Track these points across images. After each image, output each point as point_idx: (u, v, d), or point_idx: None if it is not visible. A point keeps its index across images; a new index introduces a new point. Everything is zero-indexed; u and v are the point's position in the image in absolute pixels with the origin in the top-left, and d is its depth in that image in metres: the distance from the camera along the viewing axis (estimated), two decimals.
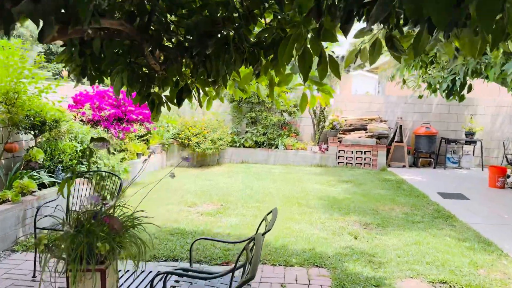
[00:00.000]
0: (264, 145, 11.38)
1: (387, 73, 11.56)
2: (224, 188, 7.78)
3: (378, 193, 7.76)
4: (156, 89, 3.78)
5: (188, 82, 3.74)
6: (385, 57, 15.26)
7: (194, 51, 2.92)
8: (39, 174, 5.39)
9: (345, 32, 2.72)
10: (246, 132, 11.52)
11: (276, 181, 8.72)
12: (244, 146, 11.43)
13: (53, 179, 5.46)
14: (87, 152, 5.43)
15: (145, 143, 9.67)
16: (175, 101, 3.77)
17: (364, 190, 8.02)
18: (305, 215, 6.07)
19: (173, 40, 3.07)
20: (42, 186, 5.31)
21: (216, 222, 5.60)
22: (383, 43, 2.95)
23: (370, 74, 27.42)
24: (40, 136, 5.88)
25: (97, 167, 6.25)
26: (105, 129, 6.93)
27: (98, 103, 6.76)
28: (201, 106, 4.01)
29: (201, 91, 4.10)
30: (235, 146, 11.42)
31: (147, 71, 3.51)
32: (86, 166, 6.17)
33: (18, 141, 5.87)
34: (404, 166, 11.24)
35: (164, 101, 3.73)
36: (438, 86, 7.77)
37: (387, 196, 7.45)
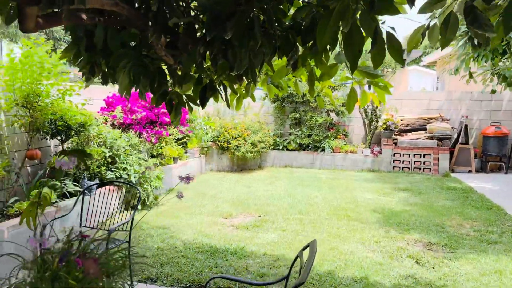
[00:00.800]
0: (309, 148, 10.62)
1: (449, 66, 10.35)
2: (263, 197, 7.16)
3: (443, 204, 6.75)
4: (178, 89, 3.24)
5: (214, 78, 3.16)
6: (447, 49, 13.87)
7: (208, 36, 2.30)
8: (63, 182, 5.09)
9: (411, 1, 2.01)
10: (290, 134, 10.84)
11: (321, 189, 7.96)
12: (287, 149, 10.75)
13: (78, 188, 5.14)
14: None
15: (183, 146, 9.30)
16: (198, 101, 3.21)
17: (425, 200, 7.04)
18: (356, 231, 5.28)
19: (183, 23, 2.49)
20: (65, 195, 5.00)
21: (251, 238, 4.99)
22: (460, 18, 2.17)
23: (426, 69, 25.57)
24: (67, 142, 5.60)
25: (127, 174, 5.89)
26: (137, 133, 6.58)
27: (130, 106, 6.43)
28: (228, 106, 3.41)
29: (229, 88, 3.51)
30: (278, 149, 10.76)
31: (160, 66, 2.98)
32: (115, 173, 5.83)
33: (45, 146, 5.64)
34: (470, 171, 9.98)
35: (184, 101, 3.19)
36: None
37: (454, 209, 6.44)
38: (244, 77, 3.14)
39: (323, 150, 10.50)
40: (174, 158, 8.21)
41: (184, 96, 3.19)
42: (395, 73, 10.42)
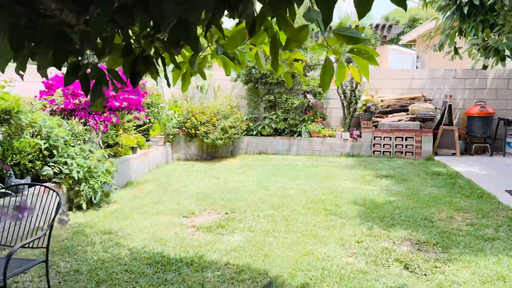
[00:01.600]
0: (285, 132, 9.92)
1: (432, 42, 9.75)
2: (233, 189, 6.43)
3: (429, 192, 6.18)
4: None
5: (147, 47, 2.37)
6: (428, 25, 13.28)
7: None
8: None
9: None
10: (264, 118, 10.09)
11: (298, 178, 7.28)
12: (261, 135, 10.02)
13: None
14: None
15: (145, 134, 8.43)
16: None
17: (410, 188, 6.46)
18: (335, 229, 4.62)
19: None
20: None
21: (213, 242, 4.25)
22: None
23: (405, 49, 25.15)
24: None
25: (69, 169, 5.02)
26: (82, 120, 5.69)
27: (72, 88, 5.51)
28: (168, 85, 2.60)
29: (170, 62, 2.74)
30: (252, 135, 10.02)
31: (62, 28, 2.20)
32: (53, 168, 4.96)
33: None
34: (454, 154, 9.51)
35: (106, 77, 2.39)
36: (509, 53, 6.03)
37: (441, 197, 5.88)
38: (179, 44, 2.37)
39: (299, 134, 9.81)
40: (132, 148, 7.36)
41: (105, 72, 2.40)
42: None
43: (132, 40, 2.31)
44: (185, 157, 9.31)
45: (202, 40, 2.68)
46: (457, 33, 7.82)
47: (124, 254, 3.95)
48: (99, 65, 2.41)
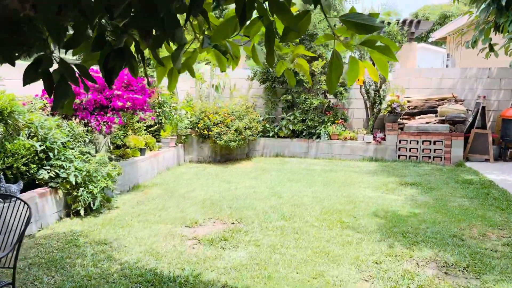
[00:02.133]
0: (303, 134, 9.45)
1: (464, 38, 9.06)
2: (243, 196, 6.03)
3: (459, 204, 5.60)
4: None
5: (117, 39, 2.02)
6: (460, 20, 12.47)
7: None
8: None
9: None
10: (282, 119, 9.64)
11: (314, 184, 6.81)
12: (278, 136, 9.58)
13: None
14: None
15: (156, 135, 8.16)
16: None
17: (438, 199, 5.89)
18: (350, 246, 4.15)
19: None
20: None
21: (214, 258, 3.87)
22: None
23: (435, 47, 24.08)
24: None
25: (66, 173, 4.76)
26: (83, 121, 5.42)
27: (73, 87, 5.26)
28: (149, 84, 2.20)
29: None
30: (268, 136, 9.60)
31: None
32: (50, 172, 4.70)
33: None
34: (487, 160, 8.79)
35: (75, 74, 2.04)
36: None
37: (473, 211, 5.29)
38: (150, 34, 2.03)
39: (318, 137, 9.32)
40: (141, 149, 7.08)
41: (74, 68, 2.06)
42: (401, 48, 9.13)
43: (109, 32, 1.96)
44: (198, 159, 8.99)
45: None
46: (492, 28, 7.15)
47: (115, 270, 3.61)
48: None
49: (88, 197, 4.92)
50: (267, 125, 9.56)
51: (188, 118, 8.63)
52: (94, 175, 4.99)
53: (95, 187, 4.96)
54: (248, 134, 8.57)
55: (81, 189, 4.90)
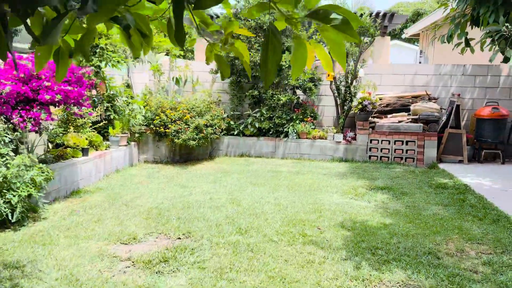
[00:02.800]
0: (270, 132, 8.85)
1: (439, 34, 8.67)
2: (196, 203, 5.37)
3: (433, 213, 5.13)
4: None
5: None
6: (434, 16, 12.17)
7: None
8: None
9: None
10: (248, 116, 9.00)
11: (278, 188, 6.22)
12: (244, 135, 8.95)
13: None
14: None
15: (104, 133, 7.35)
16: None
17: (410, 206, 5.41)
18: (311, 267, 3.57)
19: None
20: None
21: (146, 287, 3.20)
22: None
23: (407, 44, 24.02)
24: None
25: None
26: (2, 117, 4.60)
27: None
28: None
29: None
30: (232, 135, 8.95)
31: None
32: None
33: None
34: (461, 161, 8.47)
35: None
36: None
37: (449, 220, 4.83)
38: None
39: (286, 135, 8.75)
40: (83, 149, 6.28)
41: None
42: (373, 43, 8.67)
43: None
44: (154, 159, 8.24)
45: None
46: (468, 22, 6.76)
47: None
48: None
49: (5, 208, 4.13)
50: (232, 123, 8.91)
51: (142, 114, 7.86)
52: (13, 181, 4.20)
53: (14, 196, 4.17)
54: (210, 132, 7.89)
55: None
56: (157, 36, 8.44)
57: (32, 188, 4.42)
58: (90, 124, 6.82)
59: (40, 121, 4.66)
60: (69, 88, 4.73)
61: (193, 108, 8.02)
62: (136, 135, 7.99)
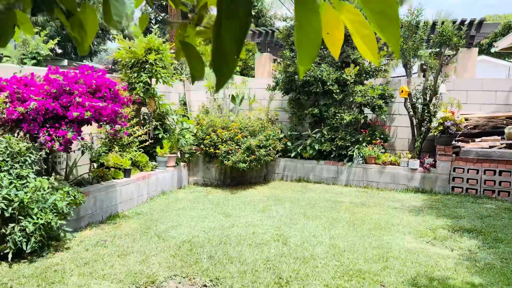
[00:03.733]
0: (332, 156, 7.90)
1: None
2: (236, 239, 4.63)
3: None
4: None
5: None
6: None
7: None
8: None
9: None
10: (308, 137, 8.15)
11: (337, 224, 5.27)
12: (302, 157, 8.11)
13: None
14: None
15: (152, 152, 6.98)
16: None
17: (508, 259, 4.15)
18: None
19: None
20: None
21: None
22: None
23: (495, 59, 21.41)
24: None
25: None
26: (29, 135, 4.30)
27: (21, 91, 4.18)
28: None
29: None
30: (289, 157, 8.15)
31: None
32: None
33: None
34: None
35: None
36: None
37: None
38: None
39: (351, 159, 7.74)
40: (125, 170, 5.91)
41: None
42: (457, 54, 7.40)
43: None
44: (204, 181, 7.71)
45: None
46: None
47: None
48: None
49: (19, 237, 3.75)
50: (289, 144, 8.12)
51: (193, 132, 7.40)
52: (31, 206, 3.83)
53: (30, 223, 3.79)
54: (262, 154, 7.18)
55: (12, 225, 3.74)
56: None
57: (54, 214, 4.01)
58: (138, 144, 6.48)
59: (73, 140, 4.30)
60: (100, 104, 4.33)
61: (246, 127, 7.39)
62: (186, 155, 7.54)
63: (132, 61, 6.50)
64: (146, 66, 6.49)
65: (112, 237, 4.62)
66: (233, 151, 7.03)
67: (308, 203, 6.37)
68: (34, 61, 7.95)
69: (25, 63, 7.89)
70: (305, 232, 4.93)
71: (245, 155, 6.99)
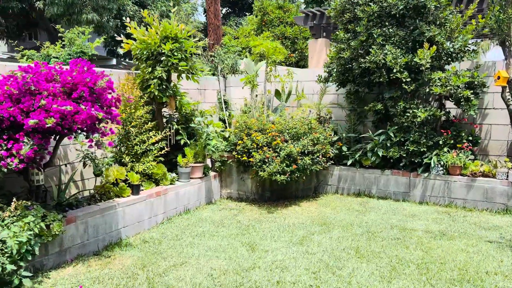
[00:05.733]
0: (402, 164, 6.24)
1: None
2: (255, 284, 3.36)
3: None
4: None
5: None
6: None
7: None
8: None
9: None
10: (370, 140, 6.56)
11: (401, 271, 3.74)
12: (361, 165, 6.55)
13: None
14: None
15: (175, 161, 5.94)
16: None
17: None
18: None
19: None
20: None
21: None
22: None
23: None
24: None
25: None
26: None
27: None
28: None
29: None
30: (345, 164, 6.65)
31: None
32: None
33: None
34: None
35: None
36: None
37: None
38: None
39: (427, 169, 6.03)
40: (133, 186, 4.92)
41: None
42: None
43: None
44: (238, 195, 6.51)
45: None
46: None
47: None
48: None
49: None
50: (344, 149, 6.60)
51: (223, 136, 6.24)
52: None
53: None
54: (307, 163, 5.79)
55: None
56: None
57: (6, 256, 3.07)
58: (156, 152, 5.47)
59: (30, 156, 3.34)
60: (68, 108, 3.31)
61: (287, 129, 6.05)
62: (217, 164, 6.40)
63: (145, 53, 5.50)
64: (162, 58, 5.44)
65: (92, 281, 3.61)
66: (269, 159, 5.73)
67: (365, 230, 4.87)
68: None
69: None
70: (355, 280, 3.50)
71: (284, 164, 5.66)
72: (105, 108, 3.83)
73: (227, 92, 8.08)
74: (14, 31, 17.49)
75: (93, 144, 3.84)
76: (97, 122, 3.76)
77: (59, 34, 7.38)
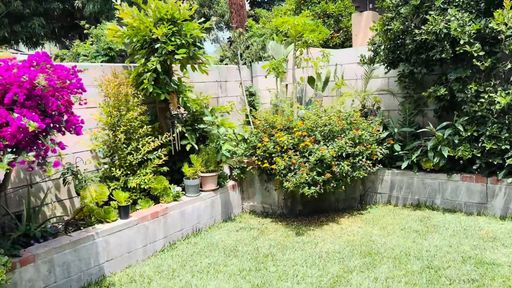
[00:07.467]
0: (475, 166, 4.78)
1: None
2: None
3: None
4: None
5: None
6: None
7: None
8: None
9: None
10: (432, 136, 5.13)
11: None
12: (420, 169, 5.17)
13: None
14: None
15: (181, 169, 4.96)
16: None
17: None
18: None
19: None
20: None
21: None
22: None
23: None
24: None
25: None
26: None
27: None
28: None
29: None
30: (398, 167, 5.30)
31: None
32: None
33: None
34: None
35: None
36: None
37: None
38: None
39: (511, 173, 4.54)
40: (121, 208, 4.01)
41: None
42: None
43: None
44: (263, 208, 5.41)
45: None
46: None
47: None
48: None
49: None
50: (397, 147, 5.24)
51: (240, 138, 5.17)
52: None
53: None
54: (345, 170, 4.54)
55: None
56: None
57: None
58: (157, 161, 4.53)
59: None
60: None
61: (318, 126, 4.83)
62: (236, 171, 5.35)
63: (135, 40, 4.55)
64: (157, 46, 4.45)
65: None
66: (296, 166, 4.56)
67: (425, 265, 3.58)
68: (107, 57, 6.92)
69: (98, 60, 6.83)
70: None
71: (315, 173, 4.46)
72: (54, 113, 2.90)
73: (253, 83, 6.99)
74: (60, 32, 17.57)
75: (34, 165, 2.91)
76: (43, 134, 2.85)
77: (85, 31, 6.88)
